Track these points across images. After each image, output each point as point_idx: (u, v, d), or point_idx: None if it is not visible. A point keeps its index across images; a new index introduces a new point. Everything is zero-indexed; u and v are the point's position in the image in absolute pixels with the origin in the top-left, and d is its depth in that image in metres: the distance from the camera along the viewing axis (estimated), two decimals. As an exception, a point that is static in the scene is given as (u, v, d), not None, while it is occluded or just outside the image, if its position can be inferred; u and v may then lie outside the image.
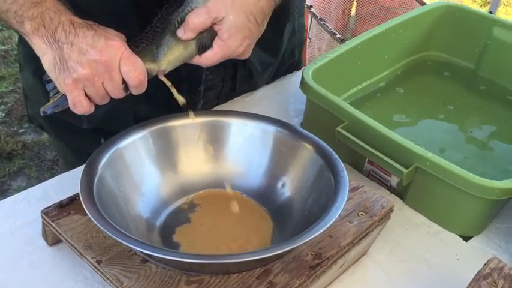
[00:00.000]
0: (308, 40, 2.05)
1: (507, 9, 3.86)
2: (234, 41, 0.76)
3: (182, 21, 0.76)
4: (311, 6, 1.84)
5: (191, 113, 0.82)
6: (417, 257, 0.82)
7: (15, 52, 2.87)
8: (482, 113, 1.12)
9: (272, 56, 1.08)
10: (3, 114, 2.52)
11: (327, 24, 1.75)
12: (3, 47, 2.93)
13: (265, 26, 0.81)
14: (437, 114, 1.10)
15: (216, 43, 0.77)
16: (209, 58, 0.78)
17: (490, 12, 2.11)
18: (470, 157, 1.00)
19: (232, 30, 0.75)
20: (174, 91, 0.80)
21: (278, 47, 1.07)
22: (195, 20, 0.74)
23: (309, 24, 1.98)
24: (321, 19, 1.79)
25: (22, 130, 2.43)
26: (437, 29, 1.23)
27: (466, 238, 0.85)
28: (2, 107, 2.56)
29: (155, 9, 0.82)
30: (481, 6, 3.87)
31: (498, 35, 1.17)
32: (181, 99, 0.81)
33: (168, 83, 0.79)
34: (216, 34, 0.77)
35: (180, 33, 0.76)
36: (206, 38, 0.77)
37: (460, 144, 1.03)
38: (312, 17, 1.85)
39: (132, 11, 0.85)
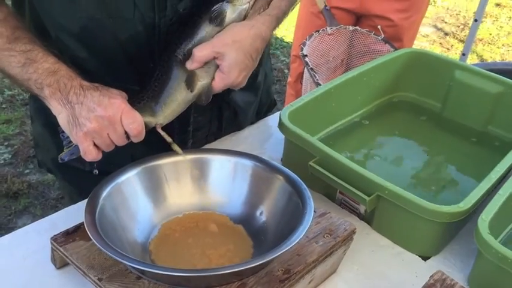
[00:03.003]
0: (301, 85, 2.15)
1: (491, 47, 4.02)
2: (233, 74, 0.93)
3: (185, 57, 0.91)
4: (306, 55, 1.94)
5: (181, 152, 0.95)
6: (381, 275, 0.92)
7: (21, 97, 3.01)
8: (446, 146, 1.24)
9: (252, 95, 1.22)
10: (10, 156, 2.65)
11: (316, 75, 1.85)
12: (10, 92, 3.07)
13: (258, 61, 0.98)
14: (406, 147, 1.23)
15: (218, 75, 0.93)
16: (214, 88, 0.94)
17: (463, 54, 2.23)
18: (437, 186, 1.12)
19: (232, 65, 0.92)
20: (169, 140, 0.94)
21: (256, 87, 1.22)
22: (201, 53, 0.90)
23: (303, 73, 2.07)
24: (311, 69, 1.88)
25: (27, 171, 2.56)
26: (405, 72, 1.36)
27: (425, 258, 0.96)
28: (9, 148, 2.69)
29: (147, 62, 0.96)
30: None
31: (459, 77, 1.30)
32: (178, 150, 0.95)
33: (165, 136, 0.94)
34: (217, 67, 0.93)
35: (188, 64, 0.91)
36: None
37: (428, 174, 1.15)
38: (305, 66, 1.93)
39: (126, 67, 0.99)
